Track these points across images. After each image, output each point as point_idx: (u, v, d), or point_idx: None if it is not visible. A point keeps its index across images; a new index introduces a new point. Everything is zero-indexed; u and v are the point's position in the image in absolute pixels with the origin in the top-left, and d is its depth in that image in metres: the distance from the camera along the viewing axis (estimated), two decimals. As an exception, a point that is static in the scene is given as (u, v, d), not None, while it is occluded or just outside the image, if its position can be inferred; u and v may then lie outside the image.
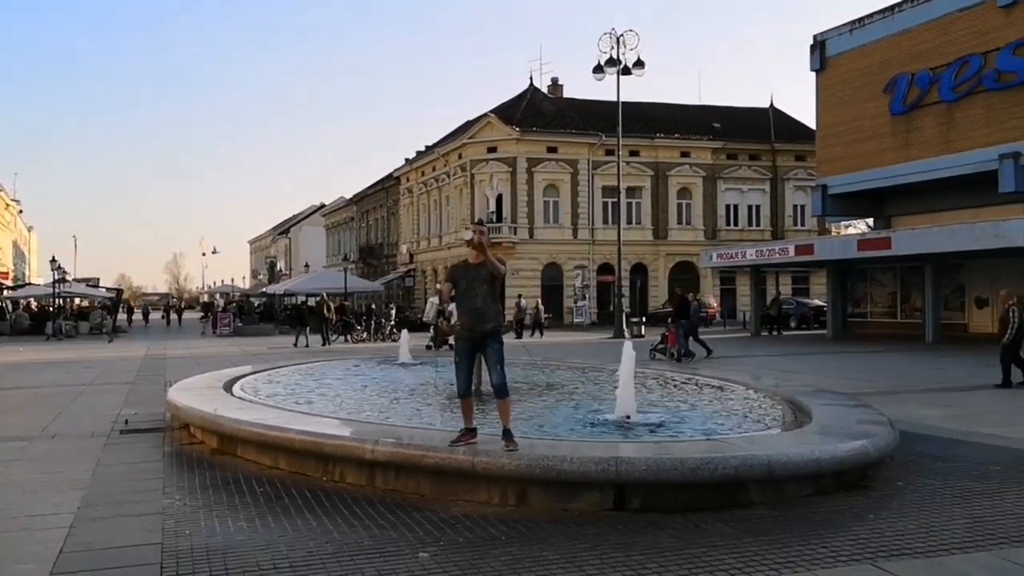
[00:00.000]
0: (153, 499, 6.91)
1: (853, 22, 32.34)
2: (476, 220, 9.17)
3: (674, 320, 21.94)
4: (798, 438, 7.64)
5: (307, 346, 28.66)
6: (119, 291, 60.22)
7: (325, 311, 31.52)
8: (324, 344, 29.46)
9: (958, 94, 28.01)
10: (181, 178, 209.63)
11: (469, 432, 7.04)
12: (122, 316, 53.05)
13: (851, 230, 48.97)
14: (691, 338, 21.46)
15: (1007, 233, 22.73)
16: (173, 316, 60.89)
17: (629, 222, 47.28)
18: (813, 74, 34.17)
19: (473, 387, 7.62)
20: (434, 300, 8.48)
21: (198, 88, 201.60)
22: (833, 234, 47.27)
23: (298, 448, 7.78)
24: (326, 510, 6.47)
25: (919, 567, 5.01)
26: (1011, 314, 14.71)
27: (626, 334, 30.96)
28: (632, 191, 48.75)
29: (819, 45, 33.79)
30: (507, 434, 6.84)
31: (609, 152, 44.85)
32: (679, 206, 51.40)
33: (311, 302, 42.05)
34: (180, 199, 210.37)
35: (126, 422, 10.94)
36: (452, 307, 7.88)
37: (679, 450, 6.98)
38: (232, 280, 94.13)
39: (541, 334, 33.89)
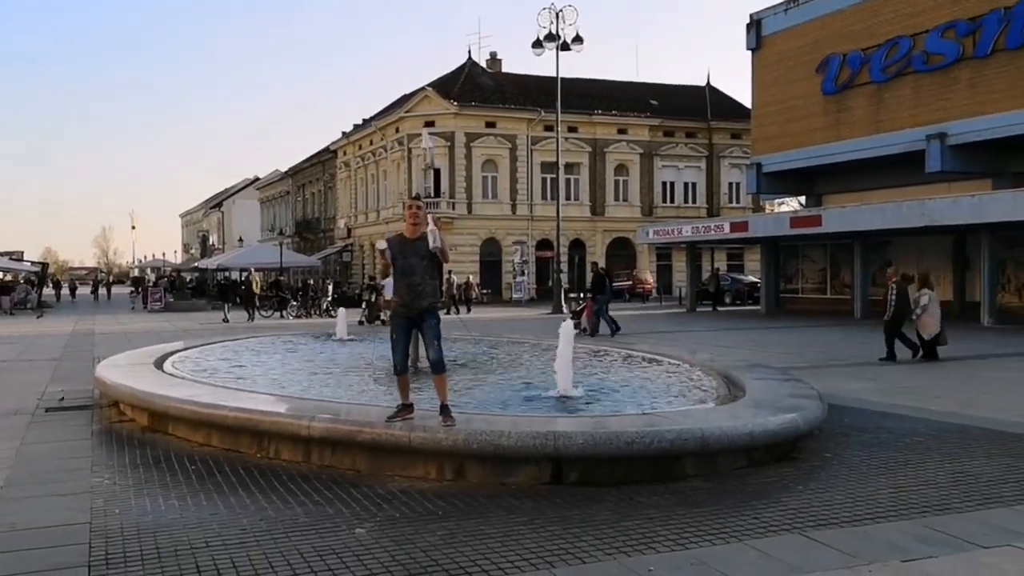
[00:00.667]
0: (81, 478, 6.74)
1: (788, 1, 32.74)
2: (413, 195, 8.87)
3: (592, 295, 22.19)
4: (732, 412, 7.77)
5: (226, 321, 28.17)
6: (44, 265, 58.41)
7: (253, 286, 31.17)
8: (250, 320, 29.02)
9: (888, 75, 28.61)
10: (113, 149, 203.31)
11: (406, 408, 6.97)
12: (49, 291, 51.47)
13: (784, 208, 49.86)
14: (602, 314, 21.57)
15: (932, 212, 23.35)
16: (102, 291, 59.26)
17: (567, 198, 47.40)
18: (749, 53, 34.57)
19: (410, 363, 7.70)
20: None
21: (135, 56, 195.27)
22: (767, 212, 48.07)
23: (231, 425, 7.65)
24: (260, 487, 6.38)
25: (846, 536, 5.14)
26: (890, 292, 15.26)
27: (564, 309, 31.14)
28: (570, 167, 48.84)
29: (755, 24, 34.15)
30: (444, 409, 6.81)
31: (548, 128, 44.89)
32: (616, 183, 51.73)
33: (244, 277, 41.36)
34: (111, 172, 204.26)
35: (61, 399, 10.65)
36: (387, 282, 7.98)
37: (615, 424, 7.04)
38: (163, 255, 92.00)
39: (468, 310, 33.91)
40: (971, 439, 8.08)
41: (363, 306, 30.04)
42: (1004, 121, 25.02)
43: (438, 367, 7.00)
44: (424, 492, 6.19)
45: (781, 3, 33.09)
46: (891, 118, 28.42)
